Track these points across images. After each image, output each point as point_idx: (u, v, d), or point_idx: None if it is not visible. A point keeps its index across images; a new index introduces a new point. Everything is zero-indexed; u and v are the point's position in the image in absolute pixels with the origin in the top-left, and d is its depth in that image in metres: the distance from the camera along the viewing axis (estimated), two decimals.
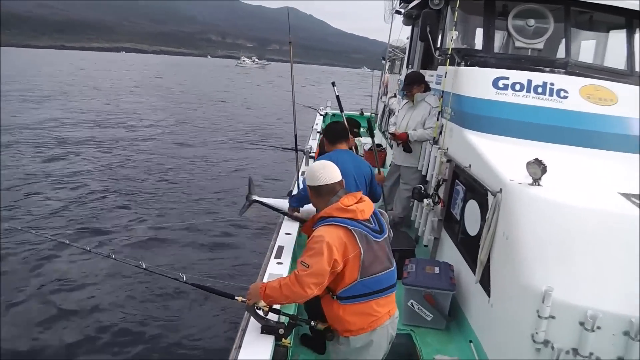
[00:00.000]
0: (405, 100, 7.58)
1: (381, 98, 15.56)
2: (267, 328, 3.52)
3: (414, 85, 7.23)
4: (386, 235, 3.63)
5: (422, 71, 8.10)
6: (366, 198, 3.66)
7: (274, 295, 3.42)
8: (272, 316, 3.63)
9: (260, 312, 3.58)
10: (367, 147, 11.17)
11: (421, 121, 7.10)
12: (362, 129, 15.93)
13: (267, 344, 3.41)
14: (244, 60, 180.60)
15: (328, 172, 3.62)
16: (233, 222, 12.27)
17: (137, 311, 8.22)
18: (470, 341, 4.58)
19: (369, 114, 16.68)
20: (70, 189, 14.72)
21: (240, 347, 3.37)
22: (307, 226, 3.72)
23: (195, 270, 9.20)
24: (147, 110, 35.69)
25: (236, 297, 3.72)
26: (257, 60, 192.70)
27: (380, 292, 3.52)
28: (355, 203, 3.51)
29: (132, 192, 14.95)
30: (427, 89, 7.27)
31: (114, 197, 14.29)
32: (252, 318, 3.62)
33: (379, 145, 11.15)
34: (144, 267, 4.26)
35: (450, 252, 5.64)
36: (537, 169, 3.97)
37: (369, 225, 3.49)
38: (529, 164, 4.02)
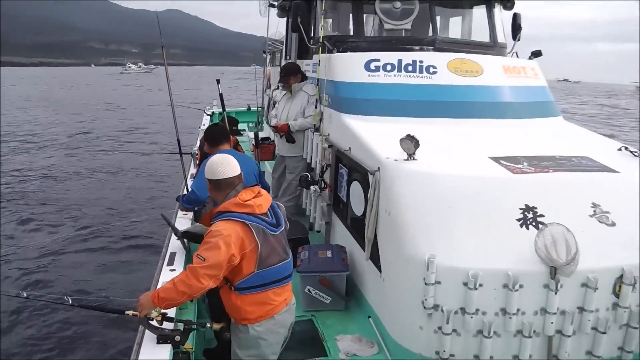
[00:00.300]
0: (283, 92, 7.65)
1: (265, 91, 15.59)
2: (163, 337, 3.46)
3: (290, 76, 7.31)
4: (283, 228, 3.74)
5: (298, 61, 8.19)
6: (264, 192, 3.74)
7: (169, 295, 3.39)
8: (167, 325, 3.59)
9: (154, 323, 3.52)
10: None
11: (301, 110, 7.19)
12: (250, 124, 15.99)
13: (164, 353, 3.36)
14: (129, 67, 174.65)
15: (227, 166, 3.65)
16: (123, 235, 11.99)
17: (23, 344, 7.76)
18: (369, 317, 4.72)
19: (256, 108, 16.67)
20: None
21: None
22: (205, 219, 3.73)
23: (85, 291, 8.87)
24: (34, 126, 33.66)
25: (127, 312, 3.58)
26: (143, 65, 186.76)
27: (276, 282, 3.65)
28: (253, 198, 3.58)
29: (11, 212, 14.22)
30: (303, 78, 7.37)
31: None
32: (146, 330, 3.56)
33: (267, 139, 11.18)
34: (24, 296, 4.09)
35: (342, 235, 5.76)
36: (410, 144, 4.14)
37: (266, 219, 3.58)
38: (402, 140, 4.18)
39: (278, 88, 10.80)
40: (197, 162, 7.03)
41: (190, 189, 5.39)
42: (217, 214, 3.55)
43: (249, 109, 17.67)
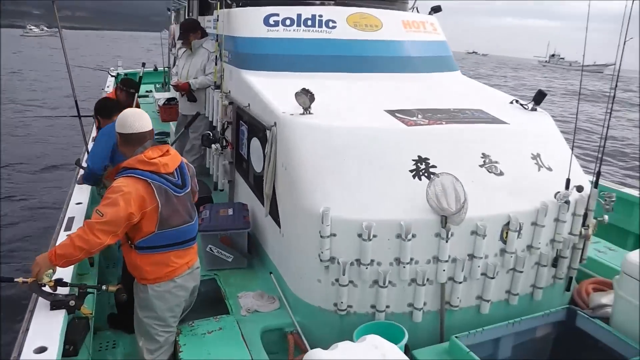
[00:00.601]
0: (183, 49, 7.46)
1: (171, 50, 15.24)
2: (57, 303, 3.33)
3: (189, 33, 7.13)
4: (188, 190, 3.68)
5: (200, 17, 8.00)
6: (173, 151, 3.66)
7: (67, 251, 3.28)
8: (63, 291, 3.46)
9: (47, 289, 3.39)
10: (161, 102, 10.91)
11: (201, 68, 7.04)
12: (157, 85, 15.57)
13: (57, 319, 3.24)
14: (31, 29, 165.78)
15: (140, 120, 3.55)
16: (19, 201, 11.48)
17: None
18: (270, 273, 4.72)
19: (162, 68, 16.29)
20: None
21: (28, 330, 3.17)
22: (111, 174, 3.61)
23: None
24: None
25: (16, 279, 3.41)
26: (46, 28, 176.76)
27: (178, 244, 3.61)
28: (160, 156, 3.49)
29: None
30: (204, 34, 7.20)
31: None
32: (40, 298, 3.42)
33: (173, 99, 10.93)
34: None
35: (244, 193, 5.72)
36: (305, 98, 4.14)
37: (171, 180, 3.50)
38: (297, 94, 4.17)
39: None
40: (97, 130, 6.72)
41: (88, 163, 5.13)
42: (122, 169, 3.45)
43: (155, 69, 17.28)
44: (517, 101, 5.24)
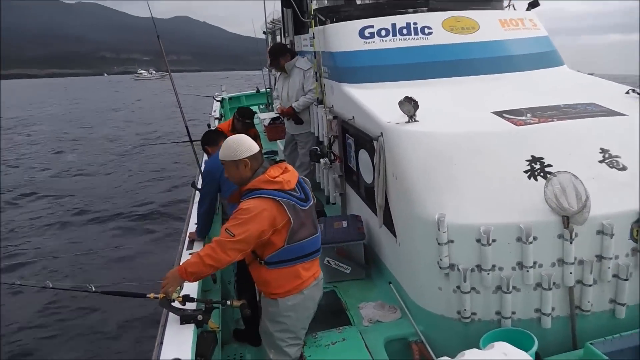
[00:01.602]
0: (279, 72, 7.65)
1: (272, 71, 15.63)
2: (186, 317, 3.51)
3: (279, 58, 7.32)
4: (312, 203, 3.76)
5: (296, 37, 8.16)
6: (291, 168, 3.73)
7: (197, 269, 3.43)
8: (190, 306, 3.63)
9: (176, 304, 3.57)
10: (266, 123, 11.18)
11: (300, 87, 7.18)
12: (261, 106, 16.04)
13: (188, 333, 3.41)
14: (141, 73, 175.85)
15: (247, 142, 3.63)
16: (142, 225, 12.19)
17: (51, 332, 7.99)
18: (389, 282, 4.73)
19: (264, 90, 16.75)
20: None
21: (162, 343, 3.35)
22: (235, 196, 3.72)
23: (106, 278, 8.93)
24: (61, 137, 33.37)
25: (147, 295, 3.64)
26: (154, 72, 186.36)
27: (305, 256, 3.68)
28: (281, 174, 3.57)
29: (32, 210, 14.66)
30: (293, 55, 7.35)
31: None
32: (170, 313, 3.61)
33: (277, 118, 11.17)
34: (50, 286, 4.14)
35: (357, 204, 5.77)
36: (410, 106, 4.14)
37: (295, 195, 3.57)
38: (401, 103, 4.18)
39: None
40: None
41: (199, 217, 5.09)
42: (247, 191, 3.53)
43: (258, 91, 17.82)
44: (633, 90, 4.98)
